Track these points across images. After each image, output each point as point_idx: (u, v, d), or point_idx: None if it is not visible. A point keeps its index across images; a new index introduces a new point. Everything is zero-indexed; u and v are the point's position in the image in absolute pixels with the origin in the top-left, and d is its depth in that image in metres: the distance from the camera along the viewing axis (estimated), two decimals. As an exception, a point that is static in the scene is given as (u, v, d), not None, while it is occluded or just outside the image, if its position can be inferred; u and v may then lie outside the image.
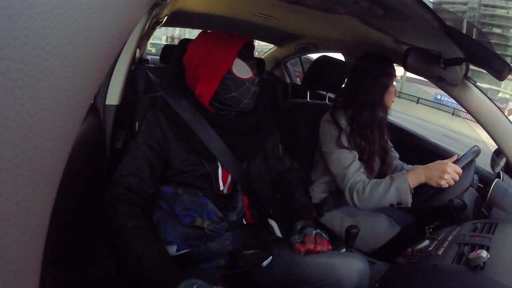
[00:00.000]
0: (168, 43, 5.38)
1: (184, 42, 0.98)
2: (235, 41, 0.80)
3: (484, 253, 0.63)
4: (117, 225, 0.69)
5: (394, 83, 1.12)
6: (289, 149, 1.04)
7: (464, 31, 0.92)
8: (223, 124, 0.83)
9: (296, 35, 1.89)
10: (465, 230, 0.82)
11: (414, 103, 16.34)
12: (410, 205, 0.96)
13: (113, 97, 1.03)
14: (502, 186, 1.00)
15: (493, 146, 1.14)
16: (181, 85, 0.88)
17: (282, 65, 2.34)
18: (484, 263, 0.62)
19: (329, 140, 1.09)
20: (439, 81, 1.05)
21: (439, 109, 15.93)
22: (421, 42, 1.01)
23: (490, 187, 1.00)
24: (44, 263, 0.23)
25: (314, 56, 1.91)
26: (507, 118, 1.05)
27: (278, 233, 0.94)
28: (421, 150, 1.48)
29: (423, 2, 0.73)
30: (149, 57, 2.70)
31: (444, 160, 0.95)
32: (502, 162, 1.16)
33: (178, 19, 1.94)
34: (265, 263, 0.80)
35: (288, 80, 2.36)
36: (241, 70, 0.80)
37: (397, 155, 1.27)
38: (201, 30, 0.88)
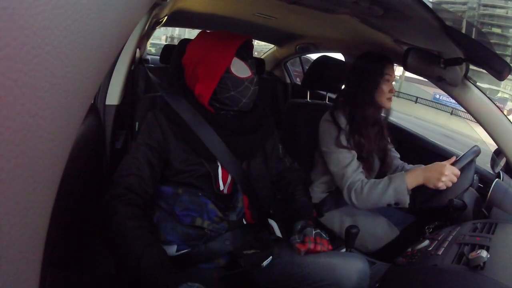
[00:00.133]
0: (167, 43, 5.38)
1: (184, 42, 0.98)
2: (233, 41, 0.80)
3: (484, 253, 0.62)
4: (117, 225, 0.69)
5: (393, 82, 1.12)
6: (289, 149, 1.04)
7: (463, 31, 0.92)
8: (222, 123, 0.83)
9: (296, 35, 1.89)
10: (465, 230, 0.82)
11: (412, 102, 16.33)
12: (407, 206, 0.97)
13: (113, 97, 1.03)
14: (502, 186, 1.00)
15: (493, 146, 1.14)
16: (181, 85, 0.88)
17: (282, 65, 2.34)
18: (484, 263, 0.62)
19: (328, 139, 1.10)
20: (439, 81, 1.05)
21: (437, 108, 15.94)
22: (421, 42, 1.01)
23: (490, 187, 1.00)
24: (44, 263, 0.23)
25: (313, 56, 1.92)
26: (507, 118, 1.05)
27: (278, 233, 0.94)
28: (421, 150, 1.48)
29: (423, 2, 0.73)
30: (149, 57, 2.70)
31: (442, 162, 0.95)
32: (502, 162, 1.16)
33: (178, 19, 1.94)
34: (265, 263, 0.80)
35: (288, 80, 2.36)
36: (240, 69, 0.80)
37: (398, 155, 1.27)
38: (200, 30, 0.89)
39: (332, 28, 1.42)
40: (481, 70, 0.88)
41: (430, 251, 0.74)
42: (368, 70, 1.09)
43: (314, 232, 0.79)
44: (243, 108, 0.83)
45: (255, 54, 2.55)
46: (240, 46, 0.80)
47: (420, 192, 0.98)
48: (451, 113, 14.97)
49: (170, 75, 0.99)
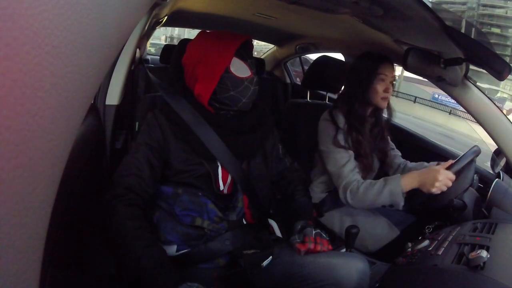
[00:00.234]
0: (167, 43, 5.38)
1: (184, 42, 0.98)
2: (233, 40, 0.80)
3: (484, 253, 0.63)
4: (117, 225, 0.69)
5: (393, 82, 1.12)
6: (289, 149, 1.04)
7: (463, 31, 0.92)
8: (222, 123, 0.83)
9: (296, 35, 1.89)
10: (465, 230, 0.82)
11: (411, 102, 16.34)
12: (401, 208, 0.99)
13: (113, 97, 1.03)
14: (502, 186, 1.00)
15: (493, 146, 1.14)
16: (180, 85, 0.88)
17: (282, 65, 2.34)
18: (484, 263, 0.62)
19: (326, 138, 1.11)
20: (439, 81, 1.05)
21: (436, 108, 15.96)
22: (421, 42, 1.01)
23: (490, 187, 1.00)
24: (44, 263, 0.23)
25: (313, 56, 1.92)
26: (507, 118, 1.05)
27: (278, 233, 0.94)
28: (421, 150, 1.48)
29: (423, 2, 0.73)
30: (149, 57, 2.70)
31: (437, 167, 0.95)
32: (502, 162, 1.16)
33: (178, 19, 1.94)
34: (265, 263, 0.80)
35: (288, 80, 2.36)
36: (239, 69, 0.80)
37: (399, 153, 1.27)
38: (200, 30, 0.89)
39: (332, 28, 1.42)
40: (481, 70, 0.88)
41: (430, 251, 0.74)
42: (362, 69, 1.10)
43: (314, 232, 0.79)
44: (243, 108, 0.83)
45: (255, 54, 2.55)
46: (240, 46, 0.80)
47: (416, 195, 0.99)
48: (450, 113, 15.00)
49: (170, 75, 0.99)
